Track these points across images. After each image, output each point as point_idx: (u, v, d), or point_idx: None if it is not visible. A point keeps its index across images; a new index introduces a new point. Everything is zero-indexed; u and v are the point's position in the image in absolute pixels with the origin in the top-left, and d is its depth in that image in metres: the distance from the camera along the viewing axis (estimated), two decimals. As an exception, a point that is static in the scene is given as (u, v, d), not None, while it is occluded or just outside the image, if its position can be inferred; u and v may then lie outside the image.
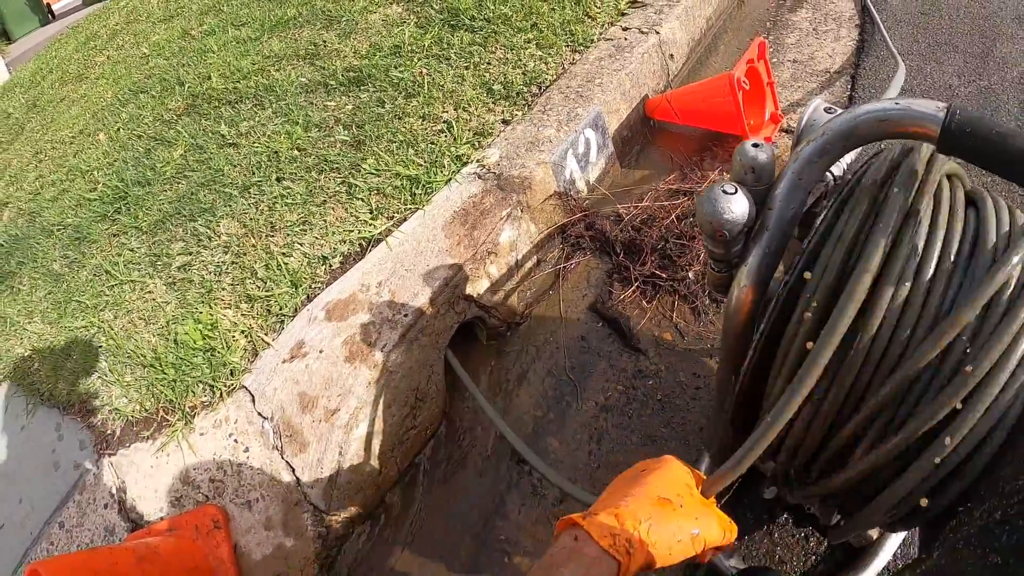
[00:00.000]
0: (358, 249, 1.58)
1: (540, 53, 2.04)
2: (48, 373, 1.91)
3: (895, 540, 1.08)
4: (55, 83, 3.41)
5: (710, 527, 0.64)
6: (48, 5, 6.72)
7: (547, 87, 1.96)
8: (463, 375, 1.41)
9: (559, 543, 0.60)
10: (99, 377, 1.77)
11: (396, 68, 2.02)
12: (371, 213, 1.62)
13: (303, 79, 2.14)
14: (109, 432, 1.68)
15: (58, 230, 2.26)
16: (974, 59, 2.24)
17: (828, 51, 2.52)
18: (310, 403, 1.38)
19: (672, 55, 2.31)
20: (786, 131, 2.13)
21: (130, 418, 1.64)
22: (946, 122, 0.62)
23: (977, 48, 2.29)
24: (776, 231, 0.79)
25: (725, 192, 0.78)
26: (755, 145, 0.81)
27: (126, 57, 3.15)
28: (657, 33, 2.20)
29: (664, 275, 1.61)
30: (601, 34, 2.20)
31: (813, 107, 0.92)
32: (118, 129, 2.49)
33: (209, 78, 2.40)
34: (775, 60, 2.49)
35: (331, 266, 1.57)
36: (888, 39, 2.33)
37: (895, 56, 2.23)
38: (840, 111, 0.85)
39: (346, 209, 1.65)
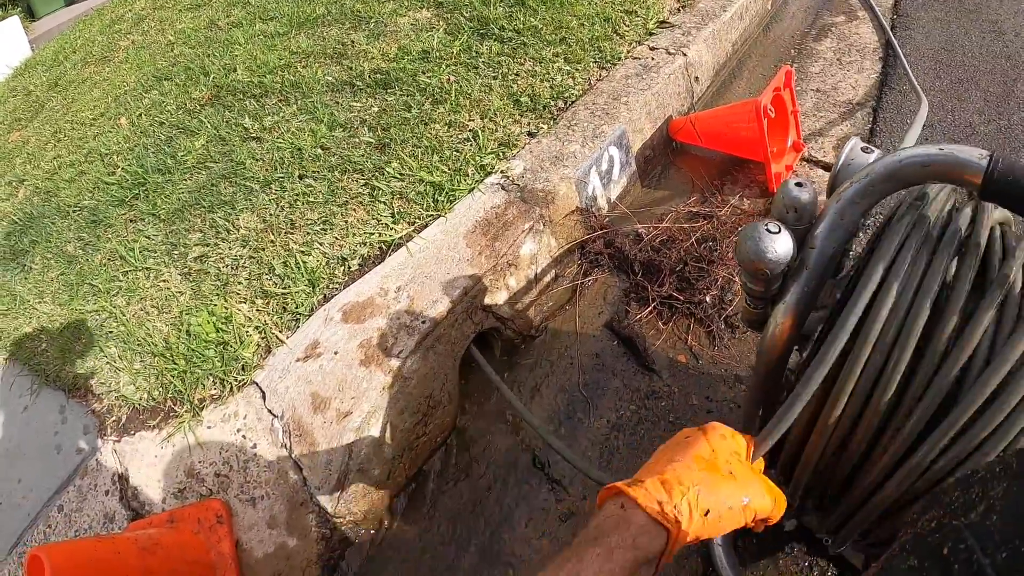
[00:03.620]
0: (378, 252, 1.59)
1: (568, 68, 2.05)
2: (55, 355, 1.91)
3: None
4: (78, 64, 3.43)
5: (760, 496, 0.62)
6: (73, -16, 6.76)
7: (573, 102, 1.97)
8: (489, 370, 1.42)
9: (604, 512, 0.57)
10: (107, 362, 1.77)
11: (424, 73, 2.03)
12: (392, 217, 1.63)
13: (329, 78, 2.16)
14: (115, 418, 1.68)
15: (74, 212, 2.26)
16: (995, 98, 2.26)
17: (851, 82, 2.53)
18: (322, 404, 1.38)
19: (697, 77, 2.32)
20: (807, 160, 2.14)
21: (137, 406, 1.64)
22: (988, 169, 0.64)
23: (998, 87, 2.31)
24: (816, 270, 0.80)
25: (769, 231, 0.78)
26: (798, 184, 0.82)
27: (151, 43, 3.17)
28: (684, 55, 2.22)
29: (682, 297, 1.62)
30: (629, 52, 2.21)
31: (850, 146, 0.93)
32: (140, 115, 2.51)
33: (235, 70, 2.41)
34: (799, 88, 2.51)
35: (350, 267, 1.58)
36: (911, 74, 2.34)
37: (918, 92, 2.25)
38: (880, 152, 0.89)
39: (367, 211, 1.66)
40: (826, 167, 2.12)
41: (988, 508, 0.37)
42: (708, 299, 1.62)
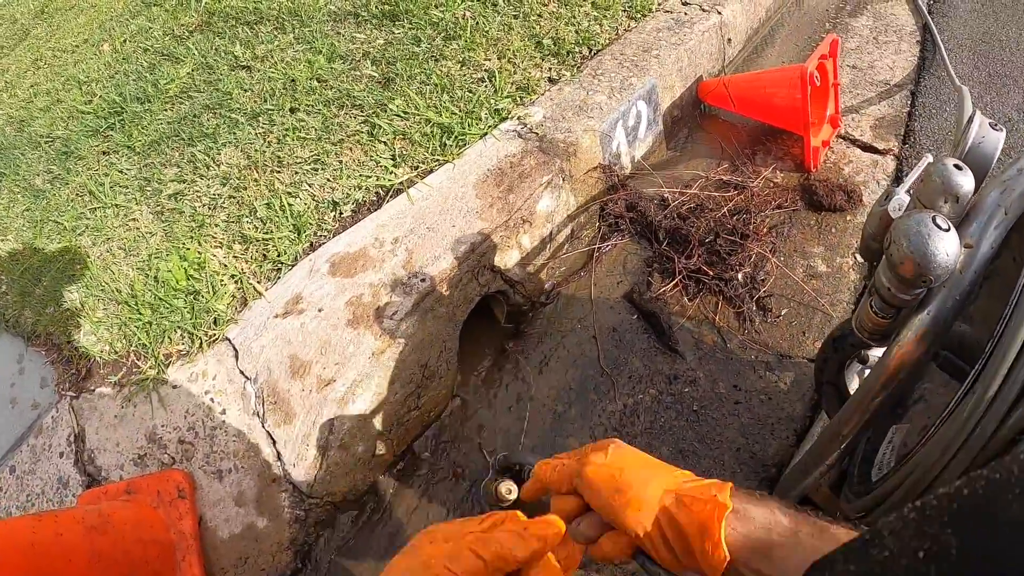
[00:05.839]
0: (374, 198, 1.32)
1: (595, 13, 1.76)
2: (15, 298, 1.64)
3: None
4: (66, -10, 3.04)
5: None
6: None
7: (599, 51, 1.69)
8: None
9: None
10: (68, 309, 1.50)
11: (436, 7, 1.72)
12: (393, 160, 1.35)
13: (332, 7, 1.84)
14: (74, 371, 1.43)
15: (46, 142, 1.95)
16: (1033, 97, 2.01)
17: (888, 63, 2.26)
18: (302, 368, 1.13)
19: (730, 39, 2.03)
20: (843, 137, 1.88)
21: (98, 359, 1.39)
22: None
23: (1036, 86, 2.06)
24: (972, 277, 0.59)
25: (939, 227, 0.56)
26: (958, 167, 0.61)
27: (144, -30, 2.78)
28: (719, 13, 1.92)
29: (711, 272, 1.37)
30: (660, 5, 1.91)
31: (979, 122, 0.72)
32: (124, 41, 2.17)
33: (229, -4, 2.08)
34: (833, 62, 2.22)
35: (341, 213, 1.30)
36: (949, 64, 2.07)
37: (954, 81, 1.98)
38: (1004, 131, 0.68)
39: (365, 152, 1.38)
40: (863, 147, 1.86)
41: None
42: (740, 277, 1.37)
